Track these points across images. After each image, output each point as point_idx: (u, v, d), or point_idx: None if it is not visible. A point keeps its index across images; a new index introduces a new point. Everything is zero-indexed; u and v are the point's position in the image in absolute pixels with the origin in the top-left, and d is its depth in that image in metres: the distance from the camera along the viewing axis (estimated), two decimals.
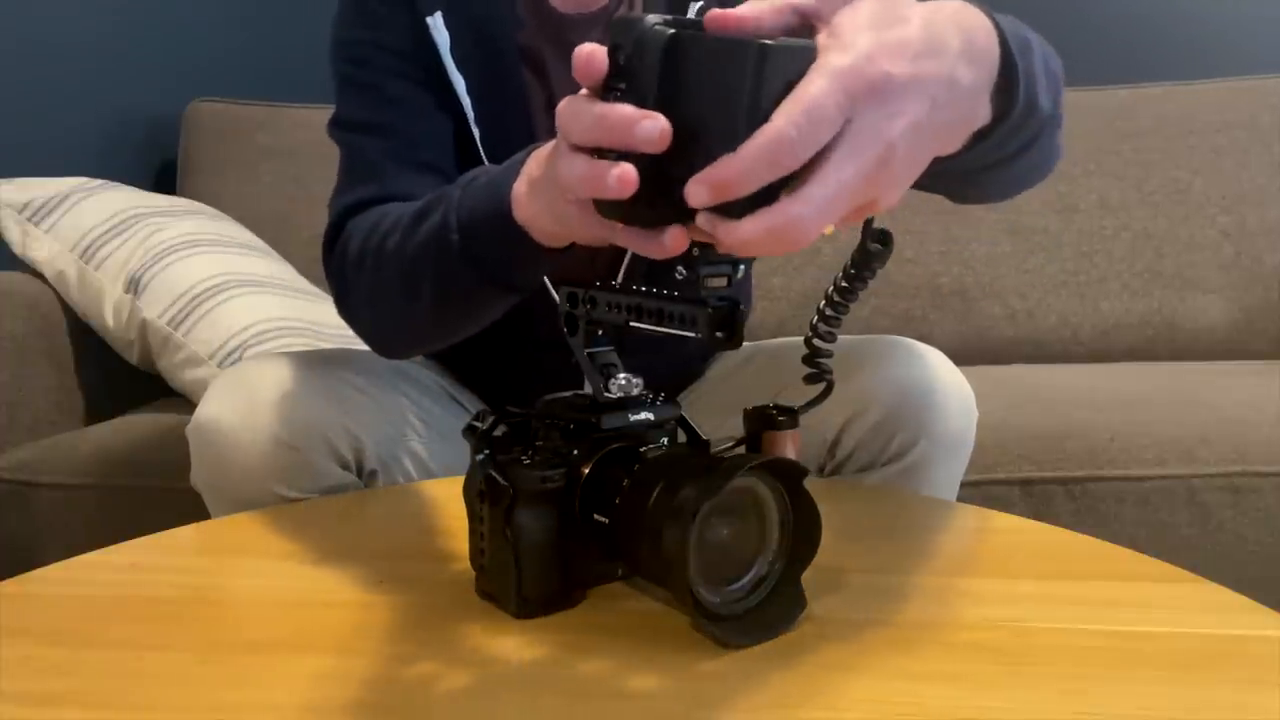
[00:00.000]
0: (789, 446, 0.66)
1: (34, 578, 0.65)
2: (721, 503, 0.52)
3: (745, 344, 1.12)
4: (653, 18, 0.48)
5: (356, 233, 0.80)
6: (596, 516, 0.56)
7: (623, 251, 0.91)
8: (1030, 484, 1.21)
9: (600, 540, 0.56)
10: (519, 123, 0.89)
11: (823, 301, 0.61)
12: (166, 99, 1.85)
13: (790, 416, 0.64)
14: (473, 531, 0.59)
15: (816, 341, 0.60)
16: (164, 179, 1.88)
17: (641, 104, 0.47)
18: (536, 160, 0.61)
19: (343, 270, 0.82)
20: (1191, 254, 1.70)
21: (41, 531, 1.25)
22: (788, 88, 0.44)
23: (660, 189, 0.47)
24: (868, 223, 0.58)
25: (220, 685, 0.51)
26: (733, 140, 0.44)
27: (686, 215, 0.46)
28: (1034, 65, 0.56)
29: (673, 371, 1.04)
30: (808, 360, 0.61)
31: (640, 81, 0.47)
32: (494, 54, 0.89)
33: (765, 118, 0.44)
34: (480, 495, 0.57)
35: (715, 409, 0.91)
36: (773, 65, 0.44)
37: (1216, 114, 1.75)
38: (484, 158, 0.87)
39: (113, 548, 0.70)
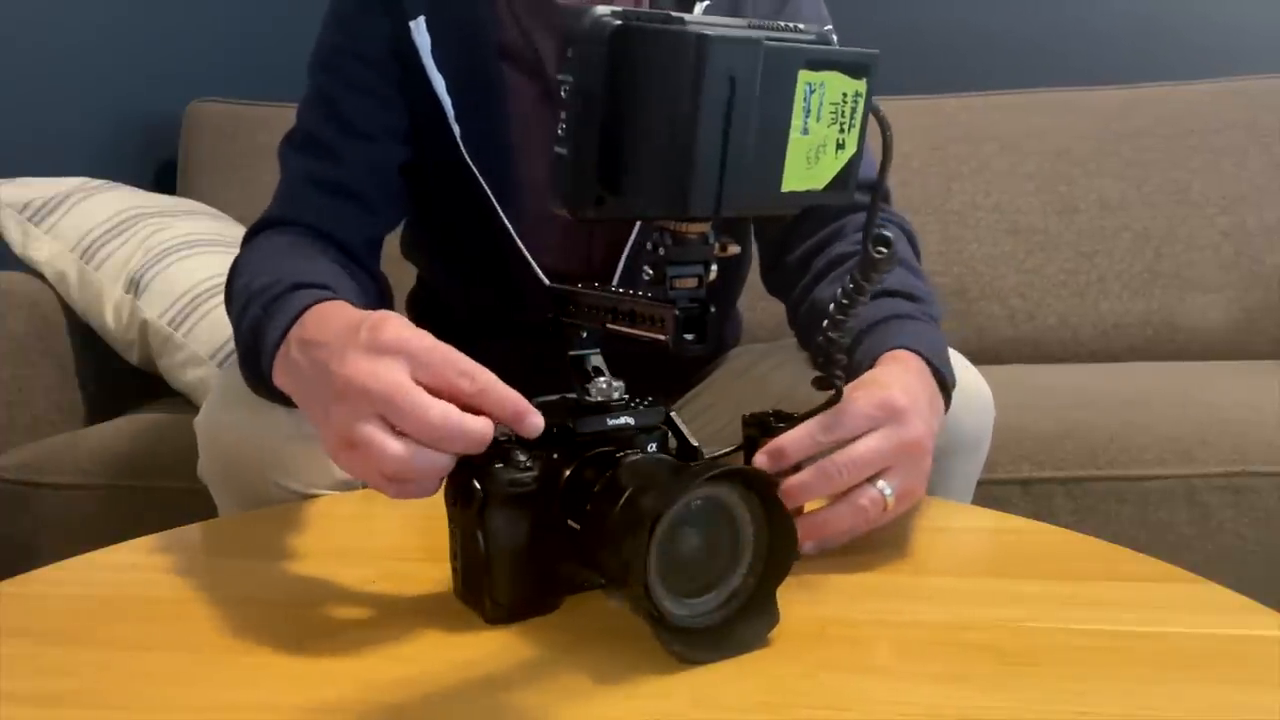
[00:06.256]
0: None
1: (34, 578, 0.65)
2: (688, 513, 0.51)
3: (758, 345, 1.11)
4: (603, 9, 0.47)
5: (252, 257, 0.82)
6: (569, 522, 0.54)
7: (619, 249, 0.91)
8: (1030, 484, 1.21)
9: (573, 547, 0.55)
10: (498, 118, 0.90)
11: (832, 306, 0.61)
12: (166, 99, 1.85)
13: (789, 423, 0.63)
14: (450, 535, 0.58)
15: (832, 333, 0.59)
16: (164, 179, 1.88)
17: (589, 96, 0.47)
18: (301, 346, 0.62)
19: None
20: (1191, 254, 1.70)
21: (41, 531, 1.25)
22: (730, 81, 0.44)
23: None
24: (867, 230, 0.58)
25: (220, 685, 0.51)
26: (673, 132, 0.44)
27: None
28: (949, 368, 0.73)
29: (666, 372, 1.03)
30: (821, 366, 0.60)
31: (587, 74, 0.47)
32: (473, 52, 0.90)
33: (707, 110, 0.44)
34: (452, 499, 0.56)
35: (729, 412, 0.91)
36: (715, 57, 0.44)
37: (1216, 114, 1.75)
38: (465, 155, 0.89)
39: (113, 548, 0.70)
